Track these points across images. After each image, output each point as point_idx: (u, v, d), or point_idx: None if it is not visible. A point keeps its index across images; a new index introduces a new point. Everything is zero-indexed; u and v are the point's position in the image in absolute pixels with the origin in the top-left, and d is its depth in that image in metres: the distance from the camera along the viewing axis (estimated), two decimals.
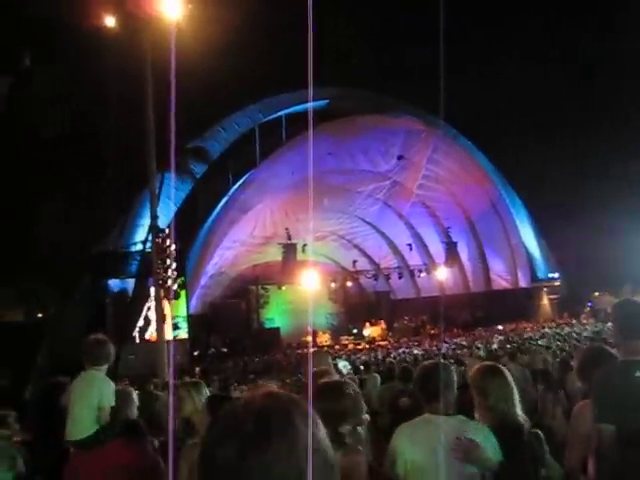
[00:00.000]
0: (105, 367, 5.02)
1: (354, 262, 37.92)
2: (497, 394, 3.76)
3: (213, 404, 4.59)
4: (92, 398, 4.86)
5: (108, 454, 4.69)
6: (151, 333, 21.78)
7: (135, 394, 5.61)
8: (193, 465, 4.05)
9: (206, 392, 5.07)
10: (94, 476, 4.62)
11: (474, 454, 3.37)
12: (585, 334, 19.86)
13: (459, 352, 18.56)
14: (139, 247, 22.37)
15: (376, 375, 10.34)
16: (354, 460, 2.97)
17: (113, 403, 4.94)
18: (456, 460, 3.38)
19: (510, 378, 3.86)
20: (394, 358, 18.51)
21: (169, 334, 21.89)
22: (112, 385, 5.02)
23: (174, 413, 5.15)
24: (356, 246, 38.70)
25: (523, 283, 36.13)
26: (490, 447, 3.45)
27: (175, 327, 24.25)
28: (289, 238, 31.48)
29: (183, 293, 24.13)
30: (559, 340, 18.16)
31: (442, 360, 4.27)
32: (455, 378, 3.80)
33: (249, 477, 1.16)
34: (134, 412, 5.36)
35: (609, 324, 22.64)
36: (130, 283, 23.12)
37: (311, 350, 22.54)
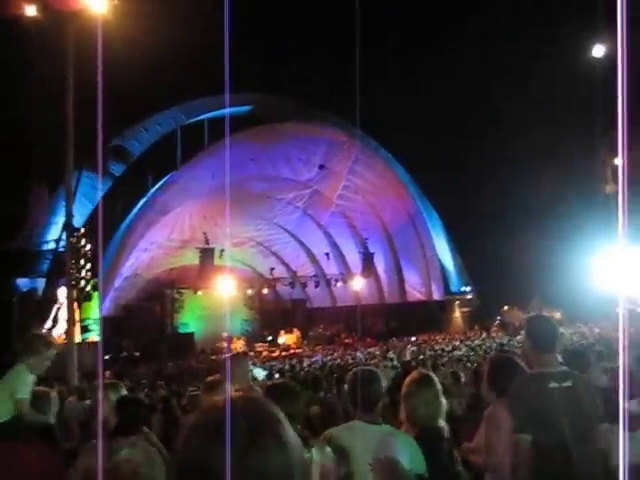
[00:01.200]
0: (26, 361, 5.08)
1: (271, 269, 37.85)
2: (422, 400, 3.81)
3: (123, 406, 4.52)
4: (4, 389, 4.94)
5: (21, 452, 4.61)
6: (59, 335, 21.12)
7: (54, 395, 5.56)
8: (88, 466, 3.99)
9: (123, 393, 5.03)
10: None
11: (394, 471, 3.41)
12: (494, 346, 20.41)
13: (372, 362, 18.76)
14: (52, 246, 21.72)
15: None
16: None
17: (26, 396, 4.96)
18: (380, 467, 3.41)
19: (439, 388, 3.92)
20: (308, 366, 18.58)
21: (78, 337, 21.33)
22: (27, 378, 5.05)
23: (90, 415, 5.07)
24: (274, 253, 38.66)
25: (436, 296, 36.84)
26: (415, 458, 3.49)
27: (85, 329, 23.60)
28: (207, 243, 31.19)
29: (96, 295, 23.52)
30: (470, 352, 18.61)
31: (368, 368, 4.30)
32: (384, 387, 3.84)
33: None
34: (52, 414, 5.31)
35: (518, 337, 23.40)
36: (40, 283, 22.38)
37: (228, 354, 22.30)
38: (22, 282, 22.36)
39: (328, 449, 3.25)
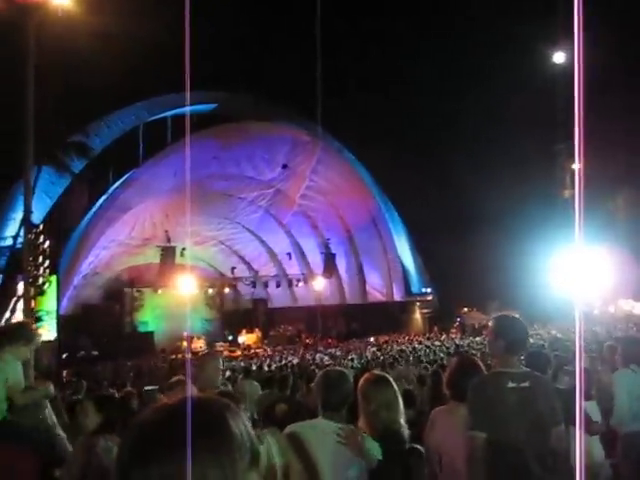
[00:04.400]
0: (11, 350, 4.97)
1: (233, 269, 37.70)
2: (382, 403, 3.82)
3: (104, 404, 4.49)
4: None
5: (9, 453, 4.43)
6: None
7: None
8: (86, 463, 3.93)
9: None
10: None
11: (360, 444, 3.45)
12: (453, 347, 20.64)
13: (333, 362, 18.82)
14: (9, 242, 21.37)
15: (255, 382, 10.25)
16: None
17: (19, 380, 4.89)
18: (340, 466, 3.44)
19: (396, 388, 3.94)
20: (268, 366, 18.55)
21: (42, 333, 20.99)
22: (17, 366, 4.96)
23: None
24: (236, 252, 38.51)
25: (397, 297, 37.07)
26: (374, 451, 3.53)
27: (38, 319, 23.07)
28: (168, 241, 30.96)
29: (53, 291, 23.15)
30: (430, 353, 18.77)
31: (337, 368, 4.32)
32: (352, 389, 3.85)
33: None
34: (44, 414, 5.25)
35: (477, 338, 23.68)
36: None
37: (193, 354, 22.14)
38: None
39: (275, 440, 3.27)
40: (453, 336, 30.13)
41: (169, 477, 1.06)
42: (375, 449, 3.53)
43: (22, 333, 5.14)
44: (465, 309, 35.25)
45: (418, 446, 3.99)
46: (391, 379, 4.04)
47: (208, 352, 7.64)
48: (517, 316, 4.10)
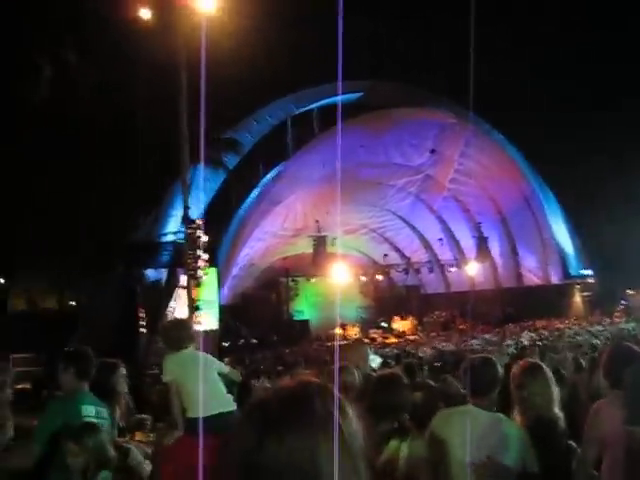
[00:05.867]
0: (191, 347, 5.26)
1: (385, 256, 37.86)
2: (535, 391, 3.74)
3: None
4: (215, 368, 5.12)
5: None
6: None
7: None
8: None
9: None
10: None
11: (498, 470, 3.39)
12: (616, 332, 19.65)
13: (489, 348, 18.44)
14: (171, 237, 22.55)
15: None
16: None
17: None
18: (484, 453, 3.39)
19: (550, 376, 3.84)
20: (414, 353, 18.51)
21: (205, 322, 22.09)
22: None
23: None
24: (387, 240, 38.61)
25: (555, 279, 35.68)
26: (520, 450, 3.44)
27: (196, 308, 24.18)
28: (319, 231, 31.50)
29: (214, 282, 24.16)
30: (591, 338, 17.98)
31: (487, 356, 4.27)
32: (500, 376, 3.80)
33: (266, 461, 1.15)
34: None
35: None
36: (162, 273, 23.28)
37: (345, 341, 22.49)
38: (146, 273, 23.33)
39: (420, 442, 3.27)
40: (617, 320, 28.65)
41: (298, 445, 1.16)
42: (526, 455, 3.43)
43: (192, 332, 5.53)
44: (630, 291, 33.33)
45: (574, 445, 3.84)
46: (545, 366, 3.95)
47: (355, 340, 7.75)
48: None
